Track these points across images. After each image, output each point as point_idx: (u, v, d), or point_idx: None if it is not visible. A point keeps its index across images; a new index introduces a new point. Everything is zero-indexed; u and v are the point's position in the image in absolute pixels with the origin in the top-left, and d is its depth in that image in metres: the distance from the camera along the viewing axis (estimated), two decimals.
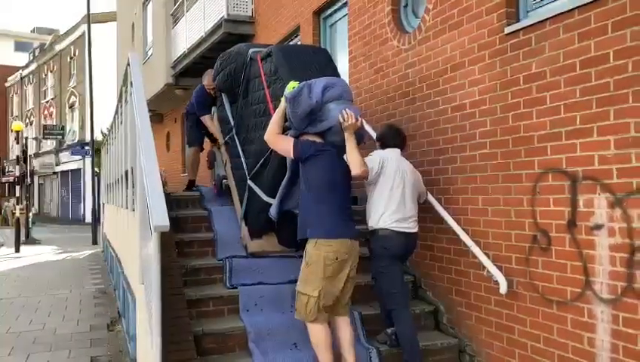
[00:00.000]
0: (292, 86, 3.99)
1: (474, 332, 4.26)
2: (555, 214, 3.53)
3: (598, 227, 3.23)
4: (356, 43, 6.00)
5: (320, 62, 4.58)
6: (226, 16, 9.67)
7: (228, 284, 4.56)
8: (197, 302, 4.33)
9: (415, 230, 4.21)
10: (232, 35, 9.81)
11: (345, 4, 6.47)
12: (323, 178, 3.77)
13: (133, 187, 5.45)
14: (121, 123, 7.40)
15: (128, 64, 5.47)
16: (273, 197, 4.37)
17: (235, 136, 5.28)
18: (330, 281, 3.65)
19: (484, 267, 4.05)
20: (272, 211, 4.34)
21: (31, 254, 15.55)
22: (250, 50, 5.07)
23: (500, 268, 3.95)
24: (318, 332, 3.68)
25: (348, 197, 3.93)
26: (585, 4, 3.27)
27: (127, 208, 6.57)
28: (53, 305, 8.55)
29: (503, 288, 3.88)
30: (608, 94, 3.15)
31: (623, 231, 3.08)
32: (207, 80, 6.49)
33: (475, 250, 4.12)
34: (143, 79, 5.05)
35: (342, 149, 3.90)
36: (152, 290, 3.24)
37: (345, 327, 3.79)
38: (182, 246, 4.95)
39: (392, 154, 4.30)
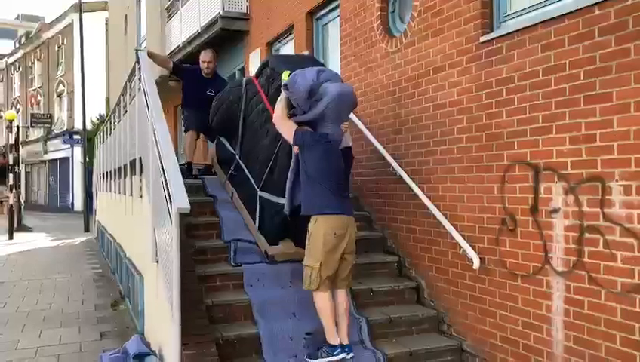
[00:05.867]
0: (287, 74, 4.44)
1: (451, 305, 4.80)
2: (520, 200, 4.07)
3: (555, 211, 3.78)
4: (347, 44, 6.49)
5: (309, 61, 5.05)
6: (221, 13, 10.04)
7: (233, 263, 5.03)
8: (205, 278, 4.78)
9: None
10: (226, 30, 10.22)
11: (337, 6, 6.95)
12: (319, 165, 4.21)
13: (141, 175, 5.90)
14: (124, 114, 7.82)
15: (137, 61, 5.92)
16: (284, 196, 4.69)
17: (240, 161, 5.65)
18: (330, 254, 4.11)
19: (460, 247, 4.59)
20: (286, 207, 4.66)
21: (25, 241, 15.80)
22: (245, 78, 5.61)
23: (473, 248, 4.47)
24: (321, 299, 4.13)
25: (342, 180, 4.35)
26: (546, 20, 3.80)
27: (131, 195, 7.01)
28: (56, 287, 8.95)
29: (476, 265, 4.41)
30: (564, 98, 3.69)
31: (575, 213, 3.63)
32: (203, 55, 7.01)
33: (453, 231, 4.66)
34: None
35: (337, 143, 4.37)
36: (173, 265, 3.72)
37: (341, 297, 4.24)
38: (189, 229, 5.38)
39: None
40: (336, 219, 4.15)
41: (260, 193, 5.15)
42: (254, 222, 5.26)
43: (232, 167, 5.84)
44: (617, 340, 3.37)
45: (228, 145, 6.02)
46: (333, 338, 4.11)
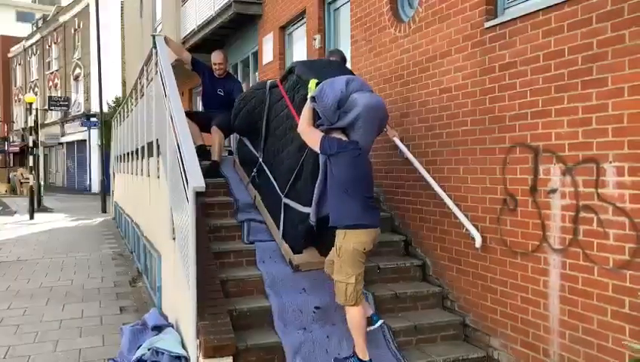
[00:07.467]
0: (314, 83, 4.30)
1: (454, 282, 5.00)
2: (520, 181, 4.23)
3: (553, 191, 3.94)
4: (357, 28, 6.63)
5: (336, 68, 4.94)
6: None
7: (246, 240, 5.28)
8: (220, 254, 5.03)
9: None
10: (240, 14, 10.34)
11: None
12: (347, 173, 4.07)
13: (158, 156, 6.14)
14: (142, 97, 8.05)
15: (154, 46, 6.13)
16: (309, 205, 4.64)
17: (264, 165, 5.62)
18: (360, 268, 4.10)
19: (463, 226, 4.76)
20: (312, 217, 4.61)
21: (45, 221, 16.21)
22: (269, 81, 5.59)
23: (476, 227, 4.64)
24: (355, 315, 4.06)
25: (370, 189, 4.27)
26: (546, 7, 3.93)
27: (149, 176, 7.26)
28: (77, 264, 9.30)
29: (478, 243, 4.59)
30: (563, 83, 3.82)
31: (571, 194, 3.79)
32: (214, 56, 7.12)
33: (457, 211, 4.84)
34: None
35: (364, 149, 4.27)
36: (190, 241, 3.95)
37: None
38: (205, 208, 5.61)
39: None
40: (365, 234, 4.06)
41: (284, 200, 5.10)
42: (278, 229, 5.24)
43: (254, 170, 5.84)
44: (608, 313, 3.55)
45: (250, 147, 6.00)
46: (363, 354, 4.05)
